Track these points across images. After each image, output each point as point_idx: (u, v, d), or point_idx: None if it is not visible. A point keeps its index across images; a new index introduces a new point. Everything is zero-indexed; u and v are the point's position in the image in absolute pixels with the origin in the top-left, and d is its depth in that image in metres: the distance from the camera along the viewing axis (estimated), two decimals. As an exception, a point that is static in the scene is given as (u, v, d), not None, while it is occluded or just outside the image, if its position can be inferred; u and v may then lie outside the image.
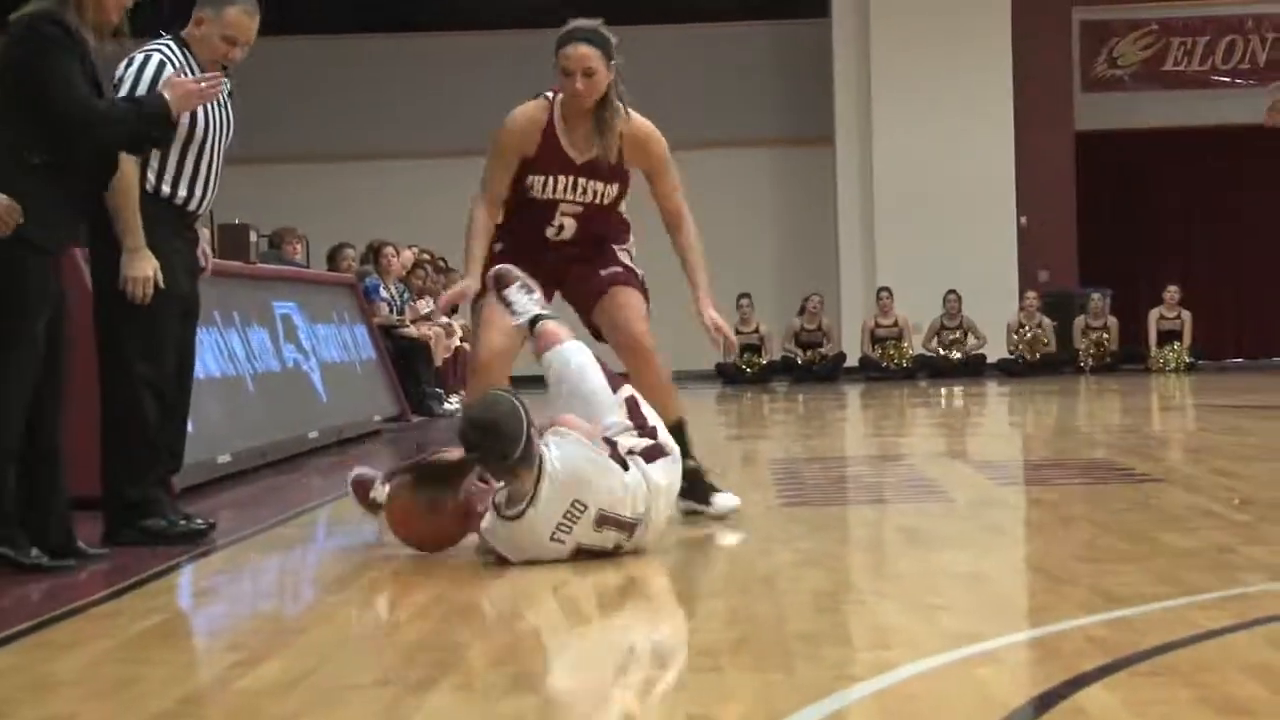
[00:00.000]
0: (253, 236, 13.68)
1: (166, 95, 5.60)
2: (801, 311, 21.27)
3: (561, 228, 6.24)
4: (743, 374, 20.44)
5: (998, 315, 20.77)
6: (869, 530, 6.59)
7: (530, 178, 6.19)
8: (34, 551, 5.39)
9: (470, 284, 6.16)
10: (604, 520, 5.23)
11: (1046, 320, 20.98)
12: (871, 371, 20.60)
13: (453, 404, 14.41)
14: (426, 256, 16.84)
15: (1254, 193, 22.68)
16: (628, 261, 6.33)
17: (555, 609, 4.77)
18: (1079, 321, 21.22)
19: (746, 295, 20.83)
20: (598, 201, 6.23)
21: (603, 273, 6.26)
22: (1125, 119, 22.45)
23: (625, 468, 5.31)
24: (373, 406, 12.76)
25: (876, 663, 3.72)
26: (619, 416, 5.53)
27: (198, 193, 6.20)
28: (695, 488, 6.25)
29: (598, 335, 6.32)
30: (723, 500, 6.35)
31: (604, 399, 5.58)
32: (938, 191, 21.09)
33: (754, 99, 22.67)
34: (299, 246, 15.04)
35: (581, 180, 6.19)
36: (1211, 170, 22.76)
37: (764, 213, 22.75)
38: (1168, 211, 23.17)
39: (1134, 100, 22.60)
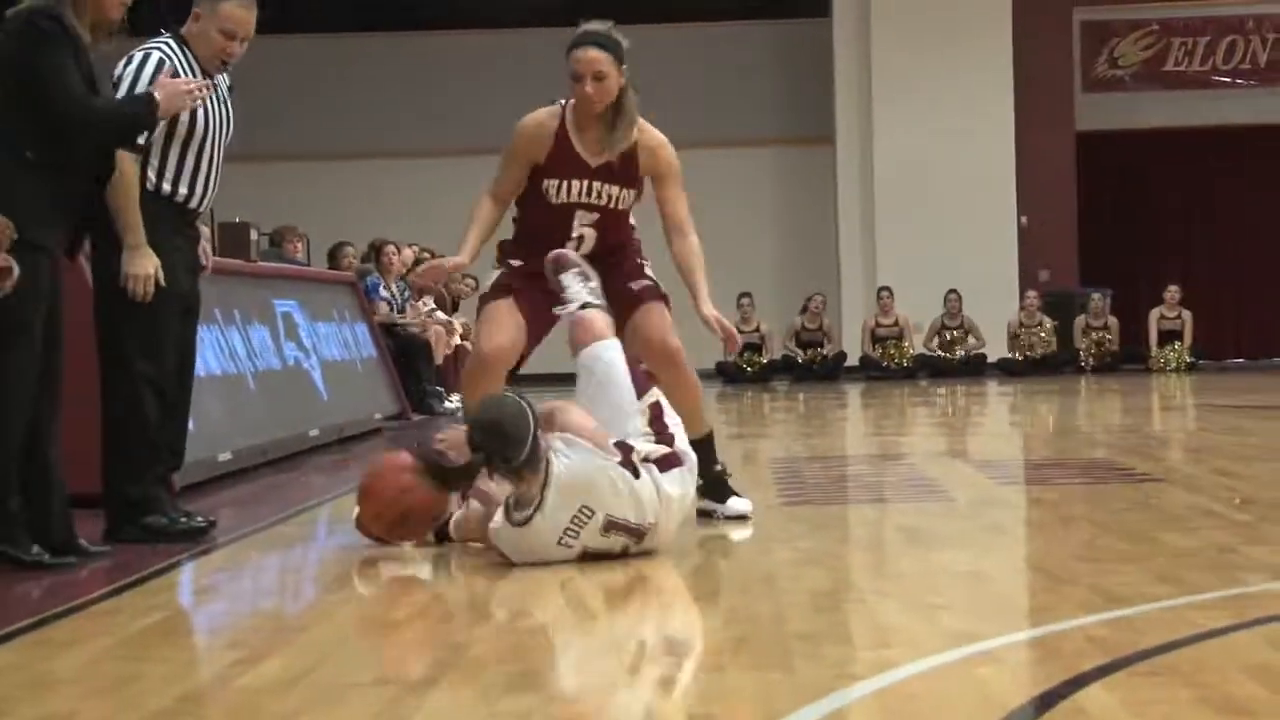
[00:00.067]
0: (253, 235, 13.70)
1: (156, 95, 5.61)
2: (804, 311, 21.26)
3: (581, 239, 6.20)
4: (743, 373, 20.43)
5: (998, 315, 20.76)
6: (869, 529, 6.60)
7: (545, 182, 6.16)
8: (35, 548, 5.39)
9: (459, 260, 6.14)
10: (611, 526, 5.22)
11: (1047, 320, 20.98)
12: (872, 371, 20.60)
13: (453, 402, 14.40)
14: (427, 255, 16.81)
15: (1255, 193, 22.67)
16: (651, 273, 6.31)
17: (556, 608, 4.77)
18: (1079, 321, 21.22)
19: (747, 294, 20.83)
20: (612, 206, 6.19)
21: (634, 286, 6.22)
22: (1126, 119, 22.44)
23: (636, 475, 5.29)
24: (373, 405, 12.76)
25: (877, 662, 3.72)
26: (640, 422, 5.49)
27: (198, 190, 6.20)
28: (715, 487, 6.30)
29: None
30: (736, 504, 6.37)
31: (627, 401, 5.53)
32: (938, 191, 21.09)
33: (755, 99, 22.67)
34: (299, 245, 15.06)
35: (596, 184, 6.16)
36: (1212, 170, 22.76)
37: (765, 212, 22.75)
38: (1168, 211, 23.16)
39: (1135, 100, 22.59)
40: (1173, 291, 21.08)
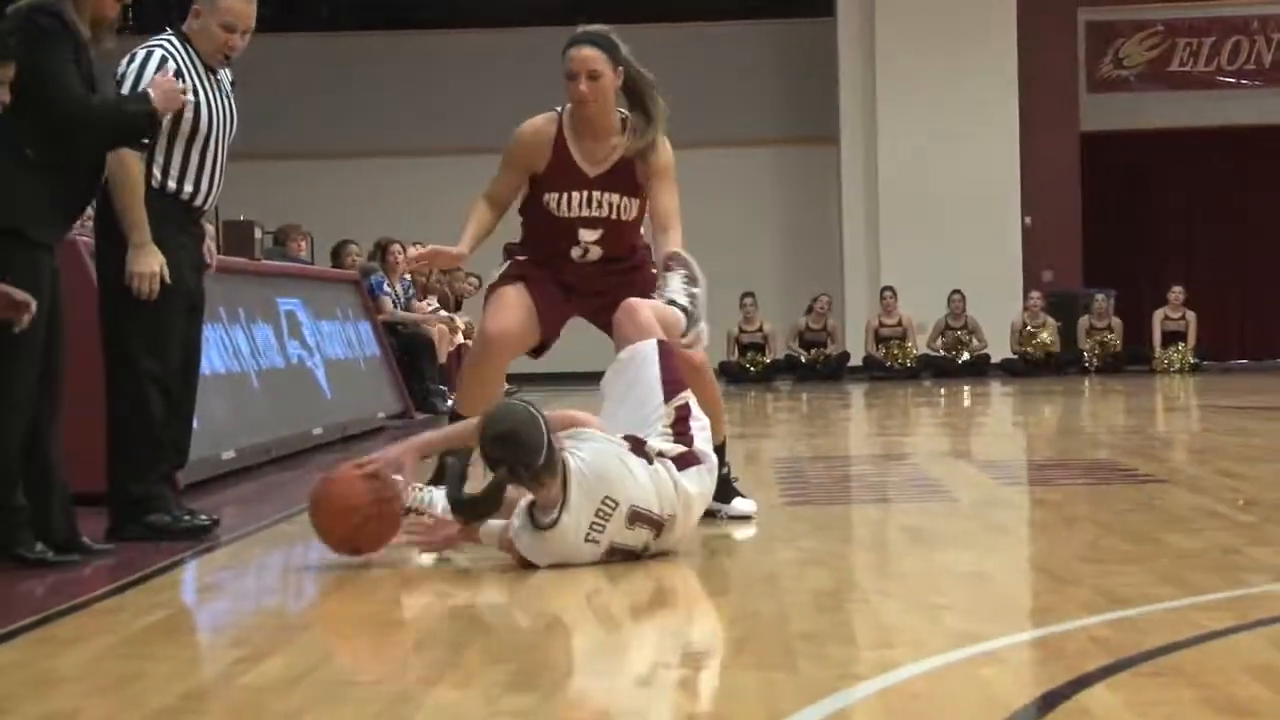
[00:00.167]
0: (257, 233, 13.71)
1: (152, 94, 5.61)
2: (809, 311, 21.25)
3: (586, 251, 6.19)
4: (746, 373, 20.43)
5: (1002, 315, 20.75)
6: (872, 529, 6.60)
7: (546, 195, 6.14)
8: (38, 546, 5.40)
9: (460, 250, 6.13)
10: (635, 516, 5.19)
11: (1051, 320, 20.97)
12: (875, 371, 20.59)
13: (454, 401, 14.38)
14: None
15: (1259, 194, 22.66)
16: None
17: (556, 607, 4.76)
18: (1083, 322, 21.20)
19: (750, 294, 20.82)
20: (615, 217, 6.16)
21: (655, 298, 6.21)
22: (1130, 120, 22.43)
23: (649, 462, 5.27)
24: (377, 403, 12.77)
25: (880, 662, 3.72)
26: (662, 424, 5.44)
27: (203, 188, 6.20)
28: (720, 487, 6.26)
29: None
30: (740, 504, 6.37)
31: (650, 406, 5.45)
32: (942, 191, 21.08)
33: (758, 98, 22.67)
34: (303, 243, 15.07)
35: (596, 193, 6.13)
36: (1217, 171, 22.74)
37: (768, 212, 22.75)
38: (1173, 212, 23.14)
39: (1139, 101, 22.58)
40: (1177, 292, 21.07)
